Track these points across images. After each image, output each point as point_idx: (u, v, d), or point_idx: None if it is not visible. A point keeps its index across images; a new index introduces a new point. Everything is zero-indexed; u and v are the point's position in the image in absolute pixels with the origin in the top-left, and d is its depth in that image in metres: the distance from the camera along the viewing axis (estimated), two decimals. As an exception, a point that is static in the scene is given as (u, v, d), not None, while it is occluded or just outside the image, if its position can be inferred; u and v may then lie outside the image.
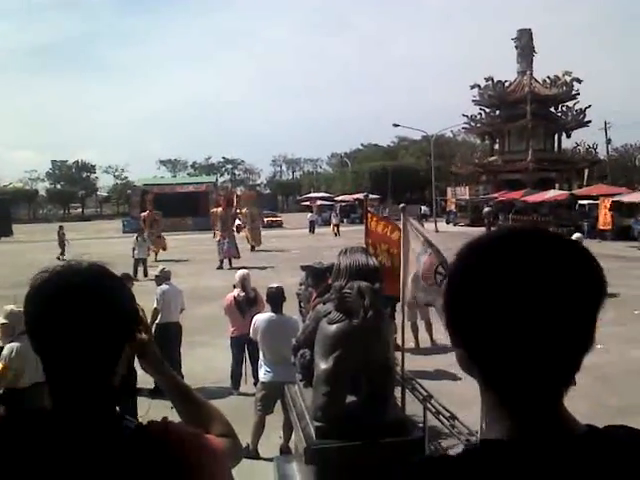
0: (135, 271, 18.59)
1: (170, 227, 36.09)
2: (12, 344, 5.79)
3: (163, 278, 8.79)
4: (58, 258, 21.74)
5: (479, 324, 0.89)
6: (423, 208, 47.92)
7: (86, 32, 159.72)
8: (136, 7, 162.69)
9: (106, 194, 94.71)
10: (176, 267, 21.52)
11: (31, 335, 1.23)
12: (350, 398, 4.25)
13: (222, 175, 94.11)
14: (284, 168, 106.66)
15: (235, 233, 24.64)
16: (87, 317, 1.18)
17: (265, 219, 49.73)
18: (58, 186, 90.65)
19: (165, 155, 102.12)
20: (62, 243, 25.94)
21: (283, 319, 6.59)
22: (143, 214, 27.17)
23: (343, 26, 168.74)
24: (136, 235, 21.01)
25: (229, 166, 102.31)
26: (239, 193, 32.06)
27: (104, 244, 25.04)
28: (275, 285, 7.00)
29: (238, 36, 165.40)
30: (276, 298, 6.71)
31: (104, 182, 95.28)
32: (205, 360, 9.41)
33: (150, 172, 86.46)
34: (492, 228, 5.64)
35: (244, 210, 28.36)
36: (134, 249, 20.28)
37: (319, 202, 52.45)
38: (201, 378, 8.50)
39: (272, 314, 6.63)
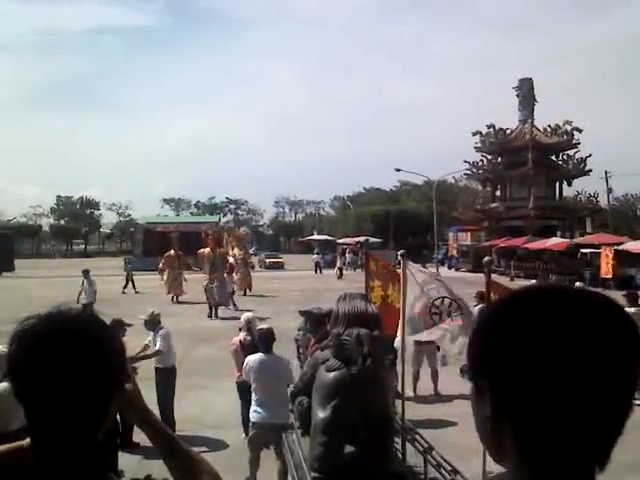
0: None
1: (132, 267, 35.91)
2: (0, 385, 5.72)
3: (154, 322, 8.31)
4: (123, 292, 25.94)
5: (520, 377, 0.81)
6: (425, 252, 47.82)
7: (95, 71, 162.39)
8: (144, 47, 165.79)
9: (109, 231, 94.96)
10: (175, 307, 21.77)
11: (12, 379, 1.18)
12: (348, 448, 4.17)
13: (225, 215, 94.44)
14: (287, 209, 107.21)
15: (226, 275, 22.19)
16: (74, 366, 1.14)
17: (267, 260, 49.71)
18: (62, 222, 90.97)
19: (169, 194, 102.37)
20: (129, 276, 28.39)
21: (274, 359, 6.61)
22: (169, 253, 25.03)
23: (349, 70, 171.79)
24: (82, 279, 18.56)
25: (232, 206, 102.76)
26: (226, 233, 29.28)
27: (104, 282, 24.94)
28: (265, 326, 7.10)
29: (244, 78, 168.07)
30: (266, 339, 6.71)
31: (108, 219, 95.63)
32: (202, 404, 9.28)
33: (154, 210, 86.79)
34: (491, 276, 5.65)
35: (235, 251, 25.99)
36: (80, 293, 17.96)
37: (343, 246, 50.76)
38: (198, 422, 8.38)
39: (263, 355, 6.60)
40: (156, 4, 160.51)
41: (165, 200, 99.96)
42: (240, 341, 7.85)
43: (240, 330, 8.07)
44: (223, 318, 18.65)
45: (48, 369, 1.13)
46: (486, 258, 5.90)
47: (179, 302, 23.08)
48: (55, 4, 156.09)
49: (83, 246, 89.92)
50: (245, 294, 24.94)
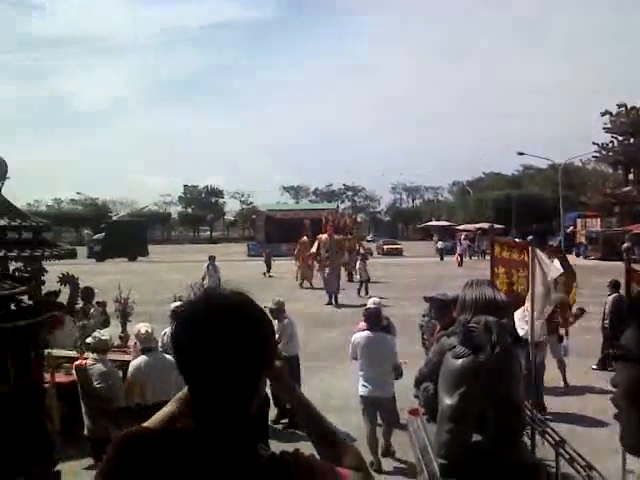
0: None
1: (293, 252, 37.06)
2: (137, 360, 6.16)
3: (279, 311, 8.33)
4: (264, 274, 27.69)
5: None
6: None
7: (215, 64, 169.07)
8: (261, 39, 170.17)
9: (233, 218, 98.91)
10: (300, 292, 22.27)
11: (177, 358, 1.29)
12: (476, 436, 4.09)
13: (343, 202, 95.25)
14: (404, 196, 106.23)
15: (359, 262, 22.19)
16: (232, 344, 1.23)
17: (385, 247, 49.64)
18: (189, 210, 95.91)
19: (288, 182, 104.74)
20: (268, 262, 29.46)
21: (380, 337, 6.89)
22: (302, 240, 24.55)
23: (465, 53, 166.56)
24: (207, 264, 19.32)
25: (350, 193, 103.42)
26: (347, 218, 27.67)
27: (231, 267, 26.02)
28: (373, 305, 7.43)
29: (360, 64, 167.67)
30: (374, 317, 6.98)
31: (231, 207, 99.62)
32: (325, 387, 9.45)
33: (274, 198, 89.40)
34: (631, 264, 5.27)
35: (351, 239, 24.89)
36: (204, 278, 18.45)
37: (463, 233, 49.73)
38: (321, 405, 8.54)
39: (369, 332, 6.88)
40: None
41: (284, 188, 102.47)
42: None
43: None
44: (342, 305, 18.83)
45: (208, 346, 1.23)
46: (625, 245, 5.54)
47: (305, 287, 23.55)
48: (178, 2, 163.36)
49: (209, 232, 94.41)
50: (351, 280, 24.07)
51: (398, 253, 47.72)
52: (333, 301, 19.41)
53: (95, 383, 5.94)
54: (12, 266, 6.07)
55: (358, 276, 22.07)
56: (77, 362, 6.28)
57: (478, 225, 51.43)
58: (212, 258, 18.88)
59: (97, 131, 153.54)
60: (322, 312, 17.22)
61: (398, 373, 6.91)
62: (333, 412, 8.18)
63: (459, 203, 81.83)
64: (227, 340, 1.22)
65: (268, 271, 29.16)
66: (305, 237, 24.79)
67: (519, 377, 4.35)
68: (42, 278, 5.60)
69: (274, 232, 48.54)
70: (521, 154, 46.30)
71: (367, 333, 6.93)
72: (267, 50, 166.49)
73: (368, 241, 63.97)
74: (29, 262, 5.66)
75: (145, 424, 1.44)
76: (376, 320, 7.00)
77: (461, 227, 56.17)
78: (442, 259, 39.85)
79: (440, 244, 43.35)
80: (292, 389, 1.55)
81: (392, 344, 6.96)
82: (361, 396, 6.84)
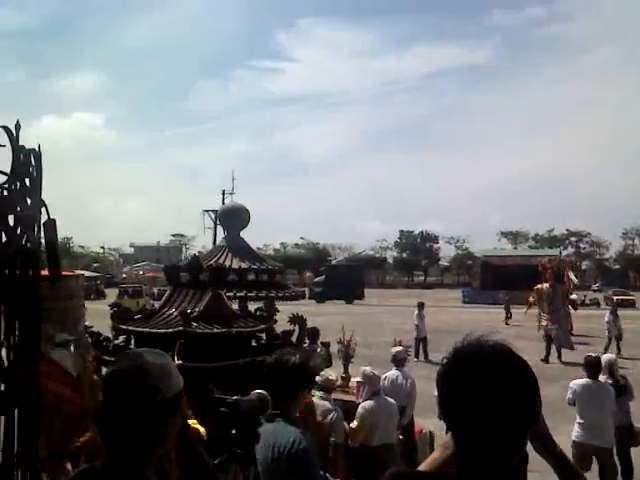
0: (416, 350, 16.70)
1: (511, 300, 35.63)
2: (367, 402, 6.34)
3: (398, 360, 8.03)
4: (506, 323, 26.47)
5: None
6: None
7: (431, 112, 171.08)
8: (478, 84, 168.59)
9: (447, 264, 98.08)
10: (518, 342, 20.96)
11: (444, 405, 1.34)
12: None
13: (566, 248, 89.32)
14: (637, 242, 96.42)
15: (571, 310, 20.27)
16: (503, 395, 1.25)
17: (614, 297, 45.36)
18: (404, 255, 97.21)
19: (505, 227, 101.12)
20: (508, 309, 28.43)
21: (599, 386, 6.98)
22: (539, 286, 20.67)
23: None
24: (417, 311, 18.09)
25: (573, 239, 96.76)
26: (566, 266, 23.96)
27: (446, 313, 25.79)
28: (594, 354, 7.55)
29: (581, 103, 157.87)
30: (594, 367, 7.06)
31: (446, 252, 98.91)
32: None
33: (490, 244, 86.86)
34: None
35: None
36: (417, 325, 17.64)
37: None
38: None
39: (588, 380, 6.98)
40: (490, 41, 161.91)
41: (502, 233, 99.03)
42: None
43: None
44: (565, 362, 17.40)
45: (479, 395, 1.27)
46: None
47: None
48: (399, 57, 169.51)
49: (423, 277, 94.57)
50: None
51: (630, 305, 43.15)
52: (558, 356, 17.65)
53: (319, 419, 6.24)
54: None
55: (606, 332, 19.14)
56: (306, 399, 6.64)
57: None
58: (421, 305, 18.62)
59: (319, 180, 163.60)
60: (542, 365, 16.15)
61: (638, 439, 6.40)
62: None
63: None
64: (498, 391, 1.25)
65: (509, 318, 27.98)
66: (546, 284, 20.86)
67: None
68: (275, 317, 6.13)
69: (490, 278, 47.06)
70: None
71: (586, 381, 7.01)
72: (482, 94, 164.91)
73: (594, 291, 59.04)
74: (267, 302, 6.23)
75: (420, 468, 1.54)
76: (596, 369, 7.08)
77: None
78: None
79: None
80: (553, 446, 1.53)
81: (611, 393, 6.93)
82: (574, 441, 6.81)
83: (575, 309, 20.85)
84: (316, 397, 6.27)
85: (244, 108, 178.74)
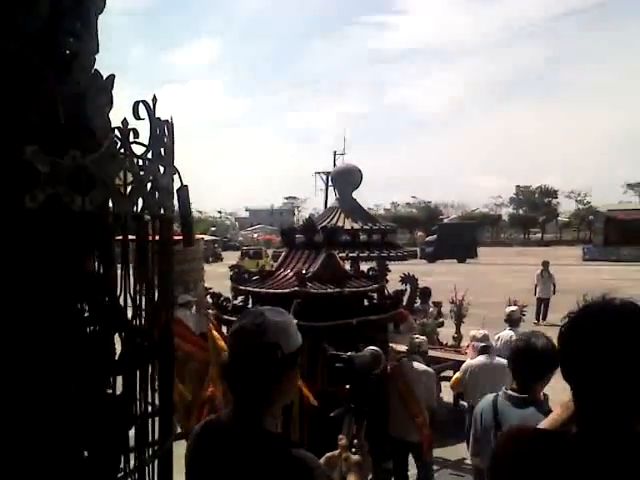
0: (538, 312, 16.21)
1: (636, 257, 33.58)
2: (474, 360, 6.34)
3: (513, 320, 7.94)
4: None
5: None
6: None
7: (551, 57, 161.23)
8: (602, 24, 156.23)
9: (567, 219, 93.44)
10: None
11: (566, 363, 1.35)
12: None
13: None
14: None
15: None
16: (629, 353, 1.24)
17: None
18: (520, 211, 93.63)
19: (633, 178, 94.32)
20: None
21: None
22: None
23: None
24: (540, 270, 17.20)
25: None
26: None
27: (565, 271, 24.72)
28: None
29: None
30: None
31: (565, 207, 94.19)
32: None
33: (615, 197, 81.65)
34: None
35: None
36: (537, 285, 16.87)
37: None
38: None
39: None
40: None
41: (629, 185, 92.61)
42: None
43: None
44: None
45: (603, 353, 1.26)
46: None
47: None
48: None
49: (540, 234, 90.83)
50: None
51: None
52: None
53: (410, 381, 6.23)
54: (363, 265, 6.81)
55: None
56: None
57: None
58: (546, 264, 17.67)
59: (433, 136, 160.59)
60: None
61: None
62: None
63: None
64: (623, 348, 1.25)
65: None
66: None
67: None
68: (387, 277, 6.20)
69: (614, 234, 44.40)
70: None
71: None
72: (609, 34, 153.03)
73: None
74: (379, 262, 6.31)
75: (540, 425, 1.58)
76: None
77: None
78: None
79: None
80: None
81: None
82: None
83: None
84: (407, 360, 6.20)
85: (356, 66, 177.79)
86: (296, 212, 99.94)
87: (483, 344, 6.40)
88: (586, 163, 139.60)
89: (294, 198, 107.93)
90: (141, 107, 1.90)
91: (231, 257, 39.88)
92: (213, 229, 76.24)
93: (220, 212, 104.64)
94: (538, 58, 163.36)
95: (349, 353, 1.79)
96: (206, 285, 12.03)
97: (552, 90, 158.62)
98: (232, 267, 6.16)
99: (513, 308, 8.05)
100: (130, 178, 1.83)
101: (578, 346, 1.32)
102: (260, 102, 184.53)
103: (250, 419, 1.65)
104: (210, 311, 5.90)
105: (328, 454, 1.73)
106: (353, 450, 1.71)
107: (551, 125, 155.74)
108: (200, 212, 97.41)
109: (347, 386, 1.79)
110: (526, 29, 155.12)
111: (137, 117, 1.88)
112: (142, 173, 1.89)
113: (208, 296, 6.25)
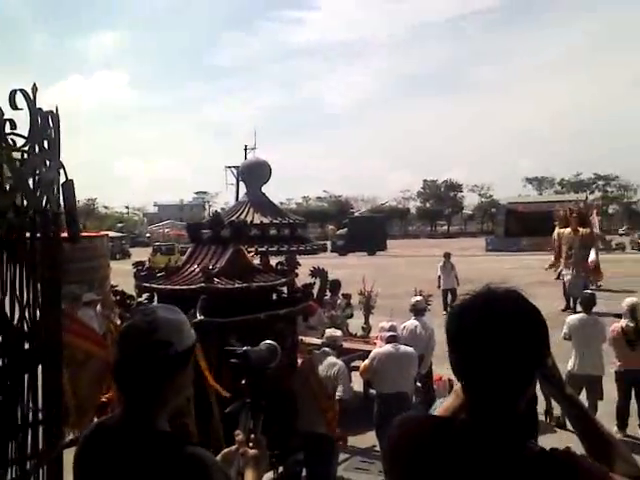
0: (445, 302, 16.41)
1: (534, 247, 35.40)
2: (381, 348, 6.48)
3: (417, 310, 8.10)
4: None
5: None
6: None
7: (457, 56, 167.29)
8: (502, 26, 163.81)
9: (470, 212, 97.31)
10: (538, 289, 20.93)
11: (454, 352, 1.38)
12: None
13: (592, 192, 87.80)
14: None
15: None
16: (511, 340, 1.28)
17: (640, 241, 44.84)
18: (427, 204, 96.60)
19: (532, 173, 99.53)
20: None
21: (593, 319, 7.69)
22: (564, 230, 19.05)
23: None
24: (442, 261, 17.55)
25: (601, 182, 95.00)
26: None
27: (469, 262, 25.74)
28: (589, 291, 9.00)
29: (608, 42, 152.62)
30: (589, 302, 7.92)
31: (470, 201, 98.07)
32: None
33: (515, 190, 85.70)
34: None
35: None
36: (440, 277, 17.17)
37: None
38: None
39: (583, 314, 7.78)
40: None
41: (527, 179, 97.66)
42: (622, 328, 7.33)
43: (621, 317, 7.56)
44: (576, 311, 16.94)
45: (487, 341, 1.29)
46: None
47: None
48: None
49: (446, 227, 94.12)
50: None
51: (655, 249, 42.56)
52: (572, 306, 16.23)
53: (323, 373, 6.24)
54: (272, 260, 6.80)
55: None
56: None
57: None
58: (447, 255, 18.13)
59: (344, 130, 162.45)
60: (554, 312, 15.86)
61: None
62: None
63: None
64: (506, 336, 1.28)
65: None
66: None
67: None
68: (296, 271, 6.21)
69: (515, 225, 46.67)
70: None
71: (581, 315, 7.83)
72: (509, 36, 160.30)
73: (620, 235, 58.25)
74: (288, 256, 6.32)
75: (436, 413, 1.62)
76: (591, 304, 7.87)
77: None
78: None
79: None
80: (563, 388, 1.56)
81: (604, 326, 7.63)
82: (569, 371, 7.33)
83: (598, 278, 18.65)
84: (320, 353, 6.23)
85: (267, 61, 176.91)
86: (207, 207, 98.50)
87: (390, 334, 6.56)
88: (488, 158, 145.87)
89: (204, 193, 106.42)
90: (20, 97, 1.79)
91: (140, 253, 38.69)
92: (120, 225, 73.84)
93: (128, 207, 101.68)
94: (444, 56, 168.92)
95: (244, 348, 1.77)
96: (112, 283, 11.63)
97: (457, 87, 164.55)
98: (136, 264, 5.97)
99: (418, 298, 8.29)
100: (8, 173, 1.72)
101: (462, 335, 1.35)
102: (170, 95, 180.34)
103: (141, 419, 1.60)
104: (116, 309, 5.70)
105: (225, 450, 1.71)
106: (250, 445, 1.70)
107: (456, 121, 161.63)
108: (106, 207, 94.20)
109: (243, 381, 1.77)
110: (431, 28, 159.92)
111: (14, 107, 1.76)
112: (22, 167, 1.78)
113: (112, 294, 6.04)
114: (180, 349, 1.61)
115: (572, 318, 7.84)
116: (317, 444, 5.76)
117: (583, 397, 7.14)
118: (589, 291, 9.03)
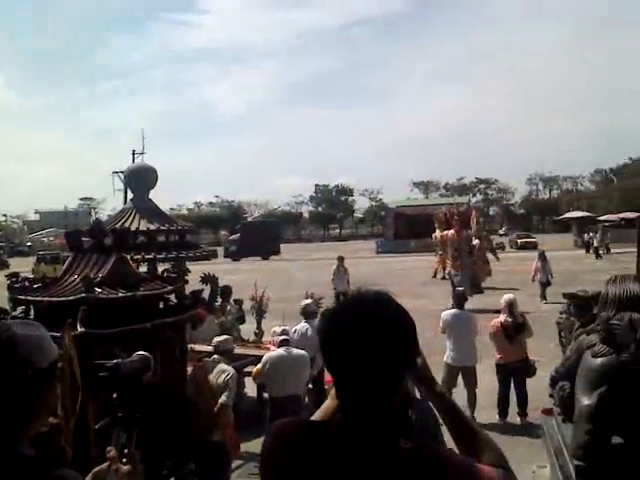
0: None
1: (422, 248, 36.76)
2: (273, 352, 6.51)
3: (308, 313, 8.16)
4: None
5: None
6: None
7: (346, 64, 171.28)
8: (391, 34, 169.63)
9: (361, 215, 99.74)
10: (429, 288, 21.92)
11: (325, 354, 1.39)
12: (616, 439, 3.90)
13: (475, 195, 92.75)
14: (540, 187, 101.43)
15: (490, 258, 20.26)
16: (378, 342, 1.30)
17: (518, 240, 47.80)
18: (320, 208, 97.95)
19: (418, 177, 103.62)
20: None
21: (465, 314, 8.26)
22: (448, 233, 19.91)
23: (604, 32, 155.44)
24: (336, 264, 17.83)
25: (482, 186, 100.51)
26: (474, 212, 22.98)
27: (361, 264, 26.28)
28: (461, 289, 9.62)
29: (490, 53, 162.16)
30: (460, 298, 8.40)
31: (360, 204, 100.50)
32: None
33: (403, 194, 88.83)
34: None
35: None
36: (333, 280, 17.55)
37: None
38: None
39: (457, 310, 8.21)
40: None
41: (414, 183, 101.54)
42: (501, 323, 7.76)
43: (500, 312, 8.00)
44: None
45: (355, 344, 1.31)
46: None
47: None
48: (310, 7, 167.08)
49: (338, 230, 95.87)
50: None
51: (533, 247, 45.40)
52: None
53: (213, 381, 6.17)
54: (160, 267, 6.59)
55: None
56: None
57: (622, 215, 47.99)
58: (341, 259, 18.47)
59: (236, 136, 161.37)
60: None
61: (532, 371, 6.90)
62: (465, 409, 8.14)
63: (602, 192, 76.88)
64: (374, 338, 1.29)
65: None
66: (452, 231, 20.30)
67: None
68: (186, 278, 6.06)
69: (403, 228, 48.34)
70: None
71: (454, 311, 8.21)
72: (398, 45, 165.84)
73: (500, 235, 61.88)
74: (176, 263, 6.14)
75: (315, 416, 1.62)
76: (462, 300, 8.38)
77: (603, 218, 52.68)
78: (588, 251, 37.50)
79: (586, 236, 40.63)
80: (433, 386, 1.60)
81: (475, 320, 8.25)
82: (446, 363, 7.93)
83: (494, 255, 21.43)
84: (212, 360, 6.18)
85: (155, 64, 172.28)
86: (93, 214, 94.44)
87: (282, 337, 6.57)
88: (377, 163, 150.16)
89: (90, 199, 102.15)
90: None
91: (20, 263, 36.59)
92: (-3, 234, 69.23)
93: (5, 215, 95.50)
94: (335, 62, 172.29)
95: (115, 360, 1.68)
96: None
97: (346, 94, 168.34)
98: (9, 275, 5.58)
99: (308, 301, 8.36)
100: None
101: (332, 338, 1.37)
102: (52, 98, 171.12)
103: (4, 443, 1.48)
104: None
105: (95, 469, 1.61)
106: (124, 460, 1.62)
107: (346, 127, 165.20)
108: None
109: (114, 395, 1.68)
110: (323, 35, 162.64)
111: None
112: None
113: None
114: (40, 367, 1.51)
115: (446, 313, 8.24)
116: (210, 452, 5.66)
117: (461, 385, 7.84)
118: (460, 288, 9.67)
